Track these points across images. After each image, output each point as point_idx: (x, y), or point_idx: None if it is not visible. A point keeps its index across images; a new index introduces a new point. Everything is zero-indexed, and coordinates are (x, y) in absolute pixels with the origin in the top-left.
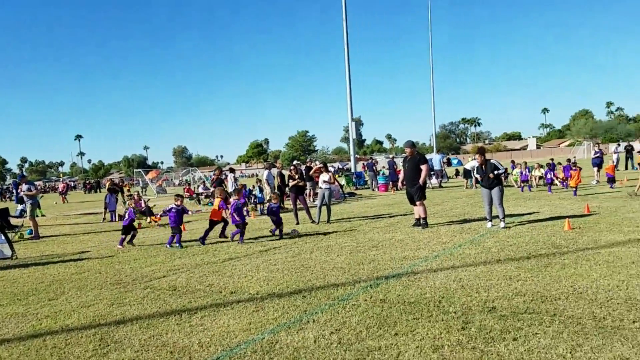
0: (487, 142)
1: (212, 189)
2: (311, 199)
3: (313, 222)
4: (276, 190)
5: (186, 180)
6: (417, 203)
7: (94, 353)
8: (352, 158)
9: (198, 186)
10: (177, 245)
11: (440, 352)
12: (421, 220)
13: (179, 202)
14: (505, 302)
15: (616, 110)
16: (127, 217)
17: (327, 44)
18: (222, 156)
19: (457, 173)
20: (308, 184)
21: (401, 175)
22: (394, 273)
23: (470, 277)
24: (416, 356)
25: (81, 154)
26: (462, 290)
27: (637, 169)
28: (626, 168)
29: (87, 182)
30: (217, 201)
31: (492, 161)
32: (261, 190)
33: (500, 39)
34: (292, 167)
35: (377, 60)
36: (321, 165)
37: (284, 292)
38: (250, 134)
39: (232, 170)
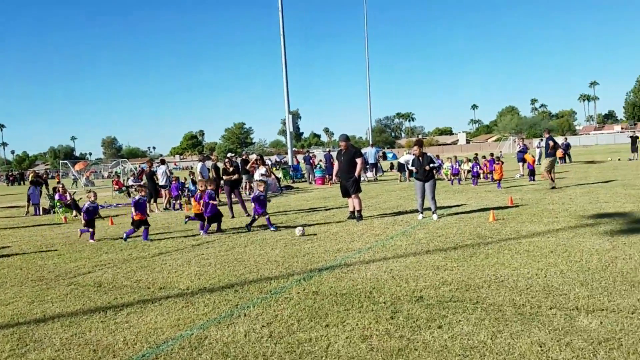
0: (420, 136)
1: (142, 182)
2: (247, 192)
3: (248, 215)
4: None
5: (116, 172)
6: (353, 196)
7: (12, 353)
8: (289, 151)
9: (128, 178)
10: (145, 239)
11: (369, 342)
12: (356, 213)
13: (143, 193)
14: (432, 291)
15: (540, 107)
16: (84, 210)
17: (265, 35)
18: (154, 147)
19: (391, 167)
20: (244, 177)
21: (335, 168)
22: (328, 265)
23: (401, 268)
24: (345, 346)
25: (4, 144)
26: (392, 281)
27: (558, 163)
28: None
29: (10, 174)
30: (197, 194)
31: (428, 154)
32: (194, 183)
33: (433, 37)
34: (226, 160)
35: (316, 54)
36: (257, 158)
37: (215, 286)
38: (184, 125)
39: (163, 162)
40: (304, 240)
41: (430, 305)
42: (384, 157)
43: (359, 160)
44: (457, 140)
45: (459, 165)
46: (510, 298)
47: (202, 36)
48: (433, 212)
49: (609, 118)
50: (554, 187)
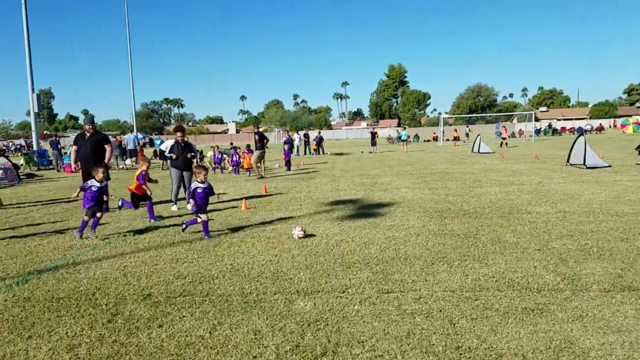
0: (190, 124)
1: None
2: None
3: None
4: None
5: None
6: None
7: None
8: (33, 134)
9: None
10: None
11: (76, 352)
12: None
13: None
14: (163, 287)
15: (301, 102)
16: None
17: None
18: None
19: (155, 154)
20: None
21: (73, 154)
22: (52, 265)
23: (137, 264)
24: None
25: None
26: (122, 279)
27: (313, 154)
28: (305, 153)
29: None
30: (138, 173)
31: (190, 142)
32: None
33: (199, 26)
34: None
35: (74, 28)
36: None
37: None
38: None
39: None
40: (30, 237)
41: (156, 302)
42: (152, 143)
43: (108, 147)
44: (228, 129)
45: (222, 154)
46: (240, 287)
47: None
48: (188, 202)
49: (357, 115)
50: (261, 177)
